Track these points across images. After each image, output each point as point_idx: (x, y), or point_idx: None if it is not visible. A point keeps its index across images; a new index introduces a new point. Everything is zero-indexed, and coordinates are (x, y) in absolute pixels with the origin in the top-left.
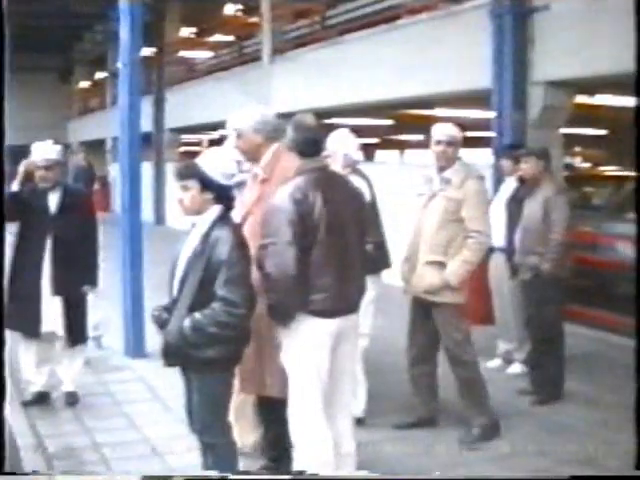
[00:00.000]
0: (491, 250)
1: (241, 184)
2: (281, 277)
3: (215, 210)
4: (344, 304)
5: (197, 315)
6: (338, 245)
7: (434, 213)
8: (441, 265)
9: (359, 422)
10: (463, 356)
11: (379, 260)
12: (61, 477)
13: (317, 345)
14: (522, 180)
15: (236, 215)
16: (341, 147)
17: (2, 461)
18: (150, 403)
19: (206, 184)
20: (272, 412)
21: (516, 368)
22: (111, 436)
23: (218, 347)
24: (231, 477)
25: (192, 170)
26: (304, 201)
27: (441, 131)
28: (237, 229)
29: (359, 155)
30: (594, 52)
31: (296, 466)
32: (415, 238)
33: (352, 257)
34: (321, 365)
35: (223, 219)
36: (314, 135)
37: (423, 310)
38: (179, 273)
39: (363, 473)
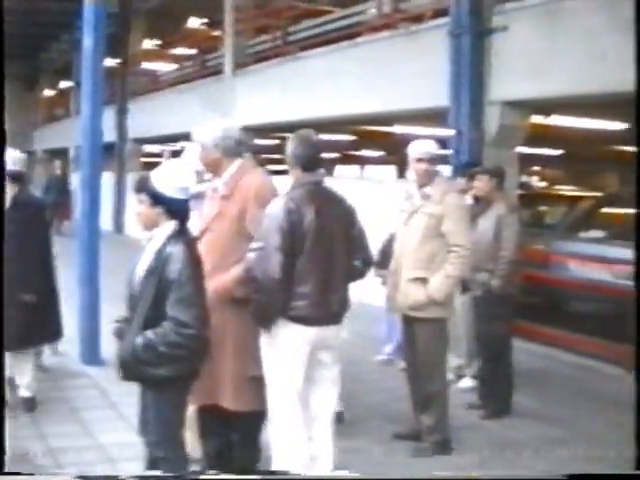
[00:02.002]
0: None
1: (199, 195)
2: (265, 280)
3: (170, 225)
4: (324, 313)
5: (149, 334)
6: (324, 256)
7: (415, 229)
8: (424, 281)
9: (339, 417)
10: (437, 372)
11: (361, 275)
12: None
13: (294, 351)
14: (477, 198)
15: (194, 229)
16: None
17: (2, 461)
18: (105, 410)
19: (156, 199)
20: (217, 422)
21: (466, 383)
22: (65, 442)
23: (170, 366)
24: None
25: (144, 184)
26: (296, 211)
27: (419, 148)
28: (191, 245)
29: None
30: (551, 73)
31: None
32: (398, 255)
33: (337, 270)
34: (296, 371)
35: (178, 235)
36: (316, 151)
37: (411, 328)
38: (135, 289)
39: (343, 473)
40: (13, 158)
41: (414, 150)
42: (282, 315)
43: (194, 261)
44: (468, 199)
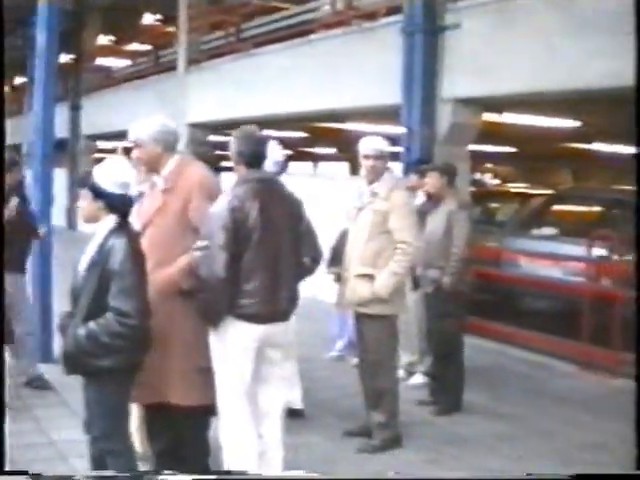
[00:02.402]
0: None
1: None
2: (211, 279)
3: (111, 219)
4: (272, 311)
5: (91, 324)
6: (270, 254)
7: (363, 226)
8: (371, 278)
9: (299, 414)
10: (386, 369)
11: (311, 271)
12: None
13: (242, 348)
14: (428, 195)
15: (135, 225)
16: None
17: (2, 461)
18: (58, 408)
19: (97, 193)
20: (165, 421)
21: (418, 379)
22: (18, 439)
23: (113, 357)
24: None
25: (86, 179)
26: (240, 209)
27: (368, 145)
28: (134, 238)
29: (283, 167)
30: (503, 71)
31: (225, 466)
32: (348, 252)
33: (284, 266)
34: (245, 368)
35: (120, 228)
36: (260, 147)
37: (361, 324)
38: (78, 282)
39: (299, 473)
40: None
41: (363, 147)
42: (229, 313)
43: (136, 254)
44: (420, 196)
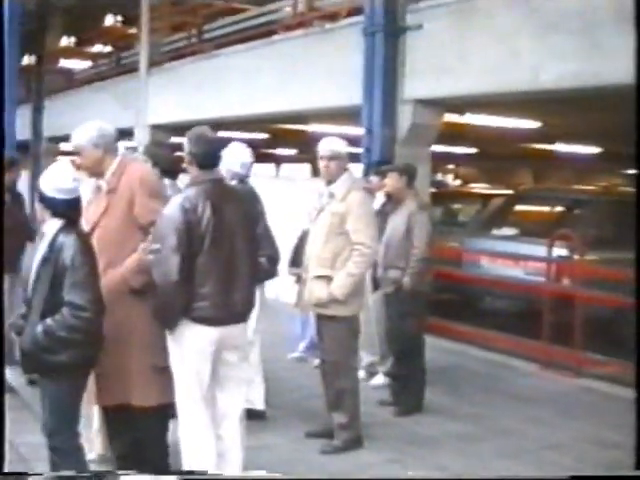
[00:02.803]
0: None
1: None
2: (164, 283)
3: (55, 223)
4: (228, 313)
5: (48, 320)
6: (224, 255)
7: (321, 227)
8: (328, 279)
9: (260, 415)
10: (345, 369)
11: (270, 272)
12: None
13: (198, 351)
14: (389, 196)
15: (84, 227)
16: (229, 160)
17: (2, 461)
18: (18, 411)
19: (40, 197)
20: (124, 422)
21: (379, 380)
22: None
23: (69, 351)
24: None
25: (38, 183)
26: (192, 211)
27: (324, 146)
28: (82, 235)
29: (250, 169)
30: (464, 72)
31: (185, 467)
32: (307, 253)
33: (239, 268)
34: (202, 370)
35: (68, 227)
36: (213, 148)
37: (320, 325)
38: (30, 283)
39: (261, 473)
40: None
41: (320, 148)
42: (184, 316)
43: (86, 249)
44: (379, 197)
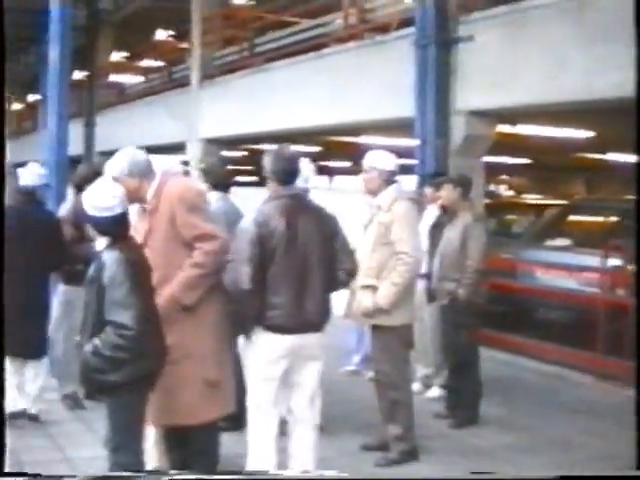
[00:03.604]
0: None
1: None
2: (236, 291)
3: (104, 240)
4: (300, 323)
5: (95, 340)
6: (297, 267)
7: (369, 238)
8: (374, 289)
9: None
10: (398, 380)
11: (347, 285)
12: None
13: (270, 358)
14: (443, 207)
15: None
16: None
17: (2, 461)
18: (74, 424)
19: (86, 218)
20: (178, 436)
21: (434, 392)
22: (33, 455)
23: (118, 371)
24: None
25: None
26: (265, 224)
27: (369, 159)
28: (129, 251)
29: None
30: (516, 82)
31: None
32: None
33: (313, 280)
34: (273, 377)
35: (112, 244)
36: (291, 165)
37: (372, 336)
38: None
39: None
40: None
41: (364, 161)
42: (258, 324)
43: (130, 264)
44: (434, 209)
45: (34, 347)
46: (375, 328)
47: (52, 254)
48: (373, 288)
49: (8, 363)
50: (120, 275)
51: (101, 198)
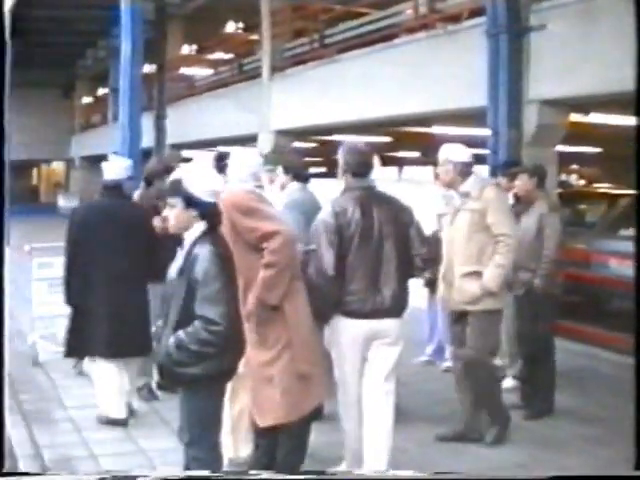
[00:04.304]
0: None
1: None
2: (320, 279)
3: (199, 227)
4: (376, 308)
5: (181, 334)
6: (372, 255)
7: (461, 228)
8: (478, 274)
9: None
10: (489, 362)
11: (423, 271)
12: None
13: (350, 342)
14: (517, 197)
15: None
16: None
17: (2, 461)
18: (148, 416)
19: (190, 201)
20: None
21: (508, 383)
22: (105, 448)
23: (201, 364)
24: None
25: (177, 187)
26: (342, 214)
27: (444, 152)
28: (220, 245)
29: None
30: (588, 71)
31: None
32: (448, 255)
33: (388, 267)
34: (354, 360)
35: (205, 236)
36: (365, 158)
37: (461, 325)
38: (167, 292)
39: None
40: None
41: (440, 154)
42: (337, 310)
43: (222, 260)
44: (509, 199)
45: (139, 344)
46: (475, 314)
47: (142, 249)
48: (477, 274)
49: (112, 366)
50: (214, 270)
51: (211, 182)
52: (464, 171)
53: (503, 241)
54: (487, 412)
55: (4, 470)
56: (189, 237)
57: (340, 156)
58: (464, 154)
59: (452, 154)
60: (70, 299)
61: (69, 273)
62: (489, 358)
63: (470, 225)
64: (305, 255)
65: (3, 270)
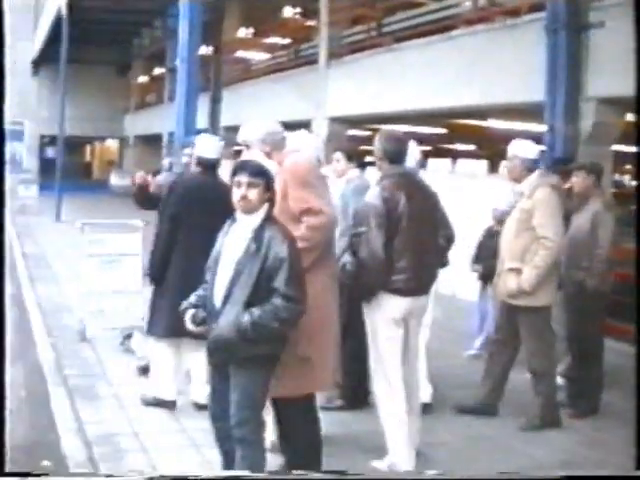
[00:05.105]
0: None
1: None
2: (371, 259)
3: (265, 208)
4: (418, 285)
5: (256, 311)
6: (416, 235)
7: (511, 224)
8: (518, 271)
9: (426, 408)
10: (540, 355)
11: (447, 251)
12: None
13: (391, 319)
14: (572, 194)
15: None
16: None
17: (2, 461)
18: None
19: (270, 184)
20: (285, 410)
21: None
22: (149, 426)
23: (273, 343)
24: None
25: (261, 169)
26: (390, 199)
27: (512, 147)
28: (285, 228)
29: (422, 164)
30: None
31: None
32: (502, 247)
33: (427, 246)
34: (395, 337)
35: (270, 218)
36: (401, 146)
37: (508, 310)
38: (226, 272)
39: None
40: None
41: (510, 148)
42: (384, 288)
43: (295, 242)
44: (560, 199)
45: None
46: (519, 309)
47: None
48: (518, 271)
49: (166, 346)
50: (295, 251)
51: (271, 164)
52: (531, 168)
53: (544, 244)
54: (537, 398)
55: (5, 470)
56: (252, 218)
57: (377, 144)
58: (531, 151)
59: (520, 150)
60: (169, 276)
61: (167, 249)
62: (539, 351)
63: (518, 223)
64: (355, 237)
65: (3, 270)
